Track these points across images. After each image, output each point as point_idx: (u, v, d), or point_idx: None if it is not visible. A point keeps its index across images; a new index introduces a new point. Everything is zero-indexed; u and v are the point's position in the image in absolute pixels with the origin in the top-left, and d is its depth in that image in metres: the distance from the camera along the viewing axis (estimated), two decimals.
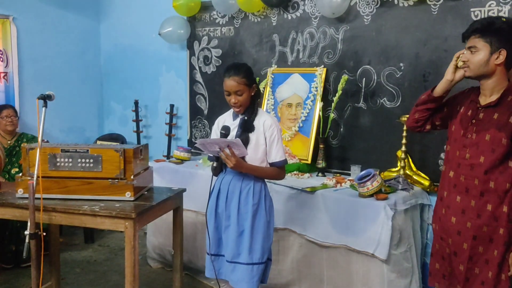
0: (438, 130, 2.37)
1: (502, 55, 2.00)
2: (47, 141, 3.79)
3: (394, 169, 3.14)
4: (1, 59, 4.34)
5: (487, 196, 2.04)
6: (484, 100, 2.10)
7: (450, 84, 2.16)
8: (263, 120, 2.50)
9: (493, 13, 2.77)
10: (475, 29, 2.03)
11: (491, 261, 2.04)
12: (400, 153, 3.03)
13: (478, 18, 2.81)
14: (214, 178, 2.55)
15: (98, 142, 4.67)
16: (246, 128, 2.48)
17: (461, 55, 2.12)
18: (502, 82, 2.05)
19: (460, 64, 2.11)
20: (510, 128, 1.98)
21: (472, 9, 2.85)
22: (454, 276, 2.16)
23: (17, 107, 4.30)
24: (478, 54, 2.02)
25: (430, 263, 2.35)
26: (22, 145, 2.82)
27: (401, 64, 3.16)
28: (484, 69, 2.03)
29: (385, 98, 3.24)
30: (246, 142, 2.45)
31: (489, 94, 2.08)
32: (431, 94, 2.21)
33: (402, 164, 3.02)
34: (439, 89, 2.19)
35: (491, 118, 2.04)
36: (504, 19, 2.03)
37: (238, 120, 2.53)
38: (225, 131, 2.45)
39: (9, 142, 4.03)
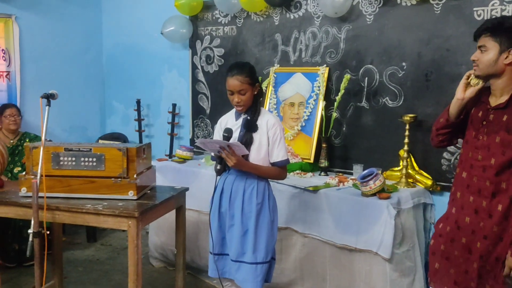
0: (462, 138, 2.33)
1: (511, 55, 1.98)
2: (50, 140, 3.79)
3: (396, 168, 3.15)
4: (4, 58, 4.35)
5: (499, 197, 2.03)
6: (494, 100, 2.08)
7: (462, 102, 2.13)
8: (266, 119, 2.49)
9: (496, 12, 2.76)
10: (486, 28, 2.02)
11: (502, 260, 2.04)
12: (403, 152, 3.03)
13: (481, 17, 2.81)
14: (218, 177, 2.54)
15: (100, 141, 4.67)
16: (249, 128, 2.48)
17: (474, 60, 2.09)
18: None
19: (473, 82, 2.09)
20: None
21: (475, 9, 2.85)
22: (467, 274, 2.15)
23: (19, 106, 4.30)
24: (488, 53, 2.01)
25: (430, 263, 2.33)
26: (25, 144, 2.83)
27: (404, 64, 3.16)
28: (493, 68, 2.01)
29: (387, 98, 3.24)
30: (249, 142, 2.45)
31: (499, 94, 2.06)
32: (449, 119, 2.19)
33: (405, 163, 3.02)
34: (453, 110, 2.17)
35: (500, 120, 2.03)
36: (510, 20, 2.02)
37: (240, 120, 2.53)
38: (228, 134, 2.43)
39: (11, 141, 4.04)
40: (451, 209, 2.23)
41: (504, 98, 2.04)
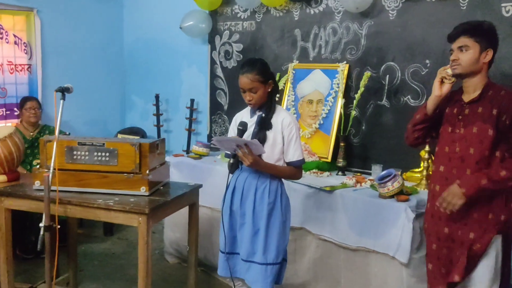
0: (435, 139, 2.46)
1: (489, 54, 2.17)
2: (69, 134, 3.81)
3: (417, 170, 3.04)
4: (25, 51, 4.39)
5: None
6: (467, 97, 2.24)
7: (439, 99, 2.29)
8: (282, 118, 2.43)
9: None
10: (465, 30, 2.19)
11: (475, 248, 2.17)
12: (424, 153, 2.93)
13: (510, 13, 2.71)
14: (230, 175, 2.50)
15: (119, 136, 4.68)
16: (264, 125, 2.42)
17: (451, 61, 2.22)
18: (484, 79, 2.21)
19: (447, 80, 2.26)
20: (494, 119, 2.12)
21: (503, 4, 2.72)
22: (451, 264, 2.24)
23: (40, 99, 4.34)
24: (469, 52, 2.16)
25: (426, 263, 2.41)
26: (40, 138, 2.84)
27: (427, 61, 3.04)
28: (474, 66, 2.17)
29: (409, 96, 3.14)
30: (263, 140, 2.39)
31: (472, 90, 2.22)
32: (427, 114, 2.35)
33: (426, 164, 2.92)
34: (431, 106, 2.33)
35: (476, 112, 2.19)
36: (487, 22, 2.21)
37: (255, 117, 2.48)
38: (243, 127, 2.39)
39: (31, 133, 4.07)
40: (433, 206, 2.31)
41: (477, 93, 2.20)
